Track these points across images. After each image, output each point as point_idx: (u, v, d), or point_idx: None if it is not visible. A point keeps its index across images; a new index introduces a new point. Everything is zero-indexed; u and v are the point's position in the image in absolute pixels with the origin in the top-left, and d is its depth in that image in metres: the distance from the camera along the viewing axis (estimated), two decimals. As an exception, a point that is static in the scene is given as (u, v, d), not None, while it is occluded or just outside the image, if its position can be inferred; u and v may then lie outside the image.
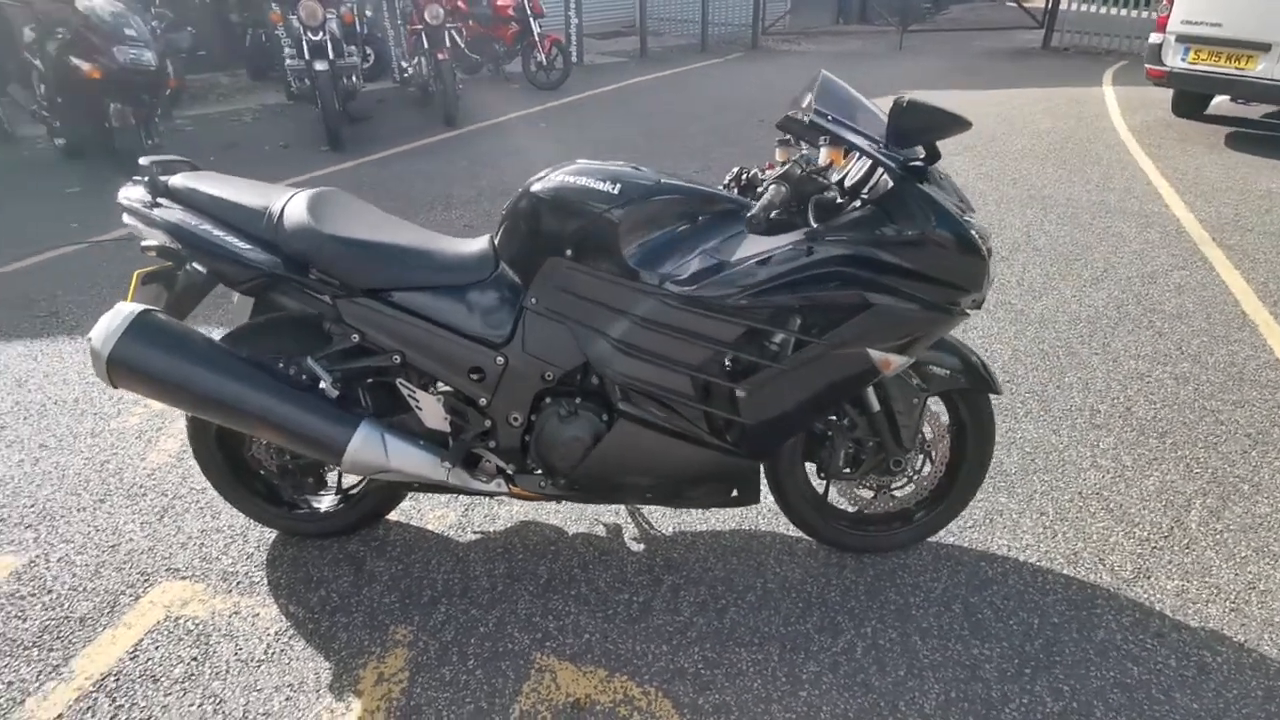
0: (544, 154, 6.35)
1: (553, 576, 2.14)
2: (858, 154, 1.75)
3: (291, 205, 1.89)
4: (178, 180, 1.95)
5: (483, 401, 1.92)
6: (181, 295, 2.01)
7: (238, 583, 2.13)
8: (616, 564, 2.18)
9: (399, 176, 5.87)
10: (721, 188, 1.93)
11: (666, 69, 10.57)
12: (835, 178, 1.80)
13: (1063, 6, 11.51)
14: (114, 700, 1.80)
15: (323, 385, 1.90)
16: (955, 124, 1.53)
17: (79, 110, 5.73)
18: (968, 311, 1.79)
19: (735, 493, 1.99)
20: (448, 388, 1.95)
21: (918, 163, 1.67)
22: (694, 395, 1.82)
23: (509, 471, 2.00)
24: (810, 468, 2.08)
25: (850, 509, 2.17)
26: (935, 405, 2.06)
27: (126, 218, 1.94)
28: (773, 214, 1.65)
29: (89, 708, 1.78)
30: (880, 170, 1.68)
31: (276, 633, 1.98)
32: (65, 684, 1.84)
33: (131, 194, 1.97)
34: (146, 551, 2.25)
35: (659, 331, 1.77)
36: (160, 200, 1.93)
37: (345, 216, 1.94)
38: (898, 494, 2.14)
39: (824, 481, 2.12)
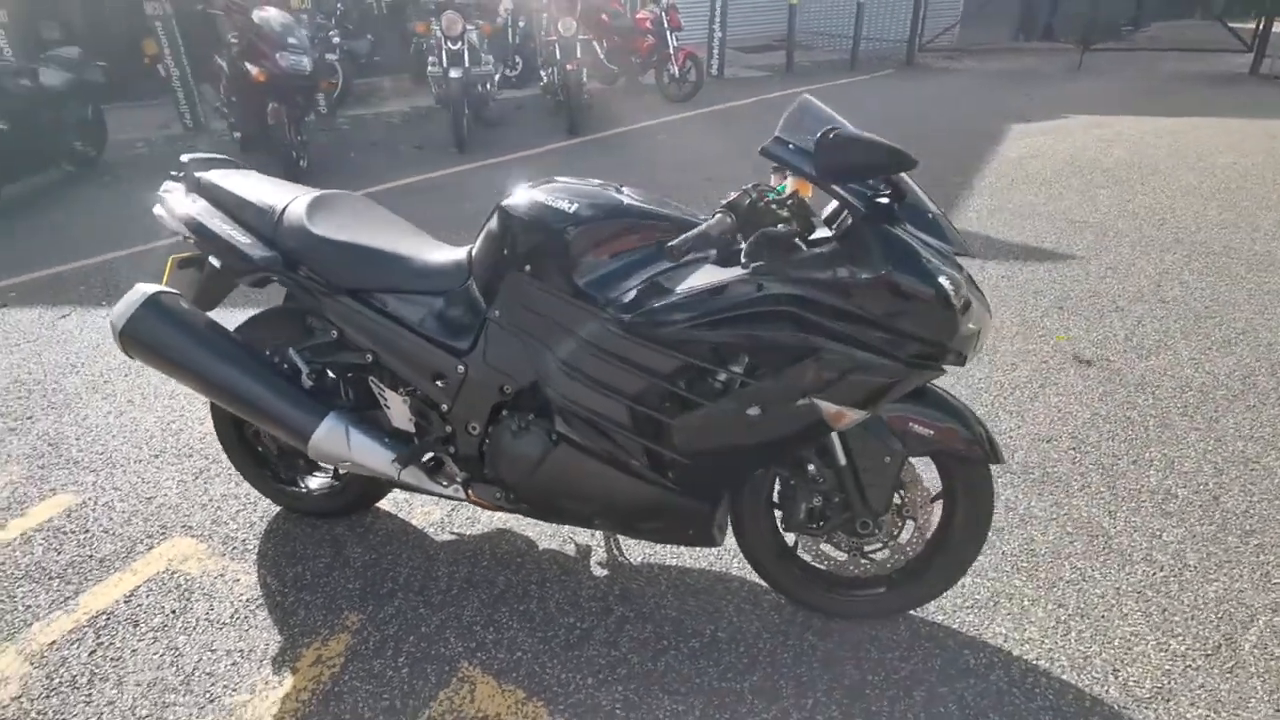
0: (651, 164, 6.40)
1: (508, 588, 2.14)
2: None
3: (293, 205, 2.02)
4: (209, 176, 2.14)
5: (444, 407, 1.96)
6: (208, 283, 2.20)
7: (234, 548, 2.31)
8: (574, 586, 2.15)
9: (508, 179, 6.11)
10: (719, 210, 1.85)
11: (807, 84, 10.31)
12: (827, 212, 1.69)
13: (1276, 29, 10.06)
14: (98, 637, 2.00)
15: (303, 376, 2.02)
16: (890, 160, 1.38)
17: (249, 108, 6.46)
18: (943, 368, 1.60)
19: (691, 532, 1.90)
20: (414, 390, 2.01)
21: (884, 199, 1.52)
22: (631, 426, 1.75)
23: (466, 479, 2.02)
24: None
25: (820, 566, 2.01)
26: (927, 467, 1.86)
27: (156, 208, 2.16)
28: (713, 245, 1.56)
29: (77, 640, 1.99)
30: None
31: (246, 600, 2.12)
32: (67, 615, 2.07)
33: (168, 187, 2.19)
34: (173, 508, 2.49)
35: (599, 356, 1.72)
36: (192, 194, 2.13)
37: (344, 219, 2.05)
38: (873, 558, 1.95)
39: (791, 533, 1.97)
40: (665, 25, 8.78)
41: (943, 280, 1.50)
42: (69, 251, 4.84)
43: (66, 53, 6.59)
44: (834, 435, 1.75)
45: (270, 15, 6.13)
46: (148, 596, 2.13)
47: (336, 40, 8.91)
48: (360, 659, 1.93)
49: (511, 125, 8.10)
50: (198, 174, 2.16)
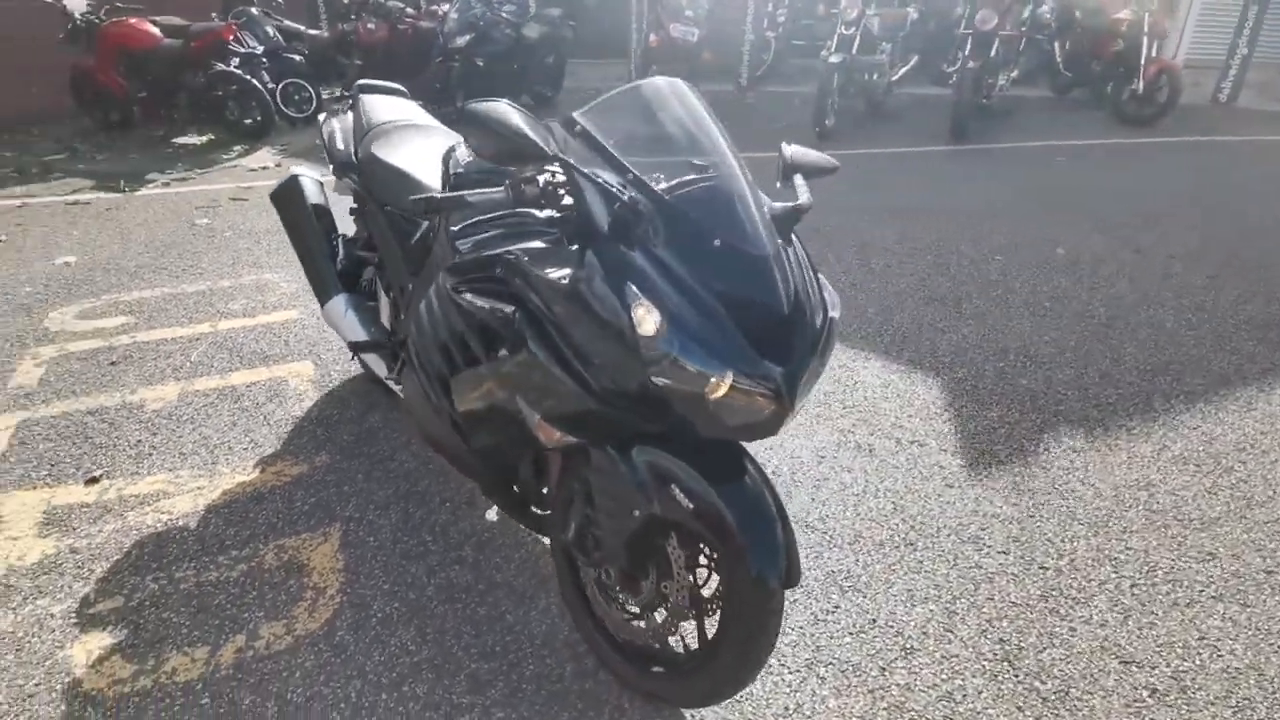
0: (1038, 197, 5.46)
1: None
2: None
3: (380, 126, 2.44)
4: (361, 97, 2.69)
5: (402, 316, 2.22)
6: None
7: (332, 378, 2.94)
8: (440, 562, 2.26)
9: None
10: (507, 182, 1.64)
11: (1371, 130, 7.34)
12: None
13: None
14: (237, 392, 2.81)
15: (339, 259, 2.49)
16: (526, 149, 1.17)
17: (646, 72, 7.31)
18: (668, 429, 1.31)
19: (499, 499, 1.87)
20: (393, 297, 2.31)
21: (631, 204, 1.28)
22: (431, 371, 1.78)
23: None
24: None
25: (594, 608, 1.75)
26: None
27: (320, 117, 2.79)
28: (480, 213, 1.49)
29: (226, 391, 2.84)
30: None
31: (320, 403, 2.73)
32: (234, 375, 2.94)
33: (334, 107, 2.81)
34: (342, 349, 3.23)
35: (431, 299, 1.79)
36: (347, 111, 2.71)
37: (407, 146, 2.40)
38: (639, 624, 1.64)
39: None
40: (1144, 29, 7.11)
41: (638, 313, 1.22)
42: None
43: (550, 12, 8.24)
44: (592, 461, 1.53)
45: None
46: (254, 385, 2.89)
47: (781, 20, 9.36)
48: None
49: (899, 120, 7.58)
50: (360, 95, 2.73)
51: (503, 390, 1.51)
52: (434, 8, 8.25)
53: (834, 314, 1.45)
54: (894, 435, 2.60)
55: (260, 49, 7.03)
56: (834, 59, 6.51)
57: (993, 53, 6.66)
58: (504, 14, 7.52)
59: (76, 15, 6.58)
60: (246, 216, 4.83)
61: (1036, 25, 7.98)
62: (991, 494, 2.32)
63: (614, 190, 1.27)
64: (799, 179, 1.61)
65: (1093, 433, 2.61)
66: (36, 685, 1.68)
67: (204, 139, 6.84)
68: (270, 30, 7.49)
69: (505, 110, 1.27)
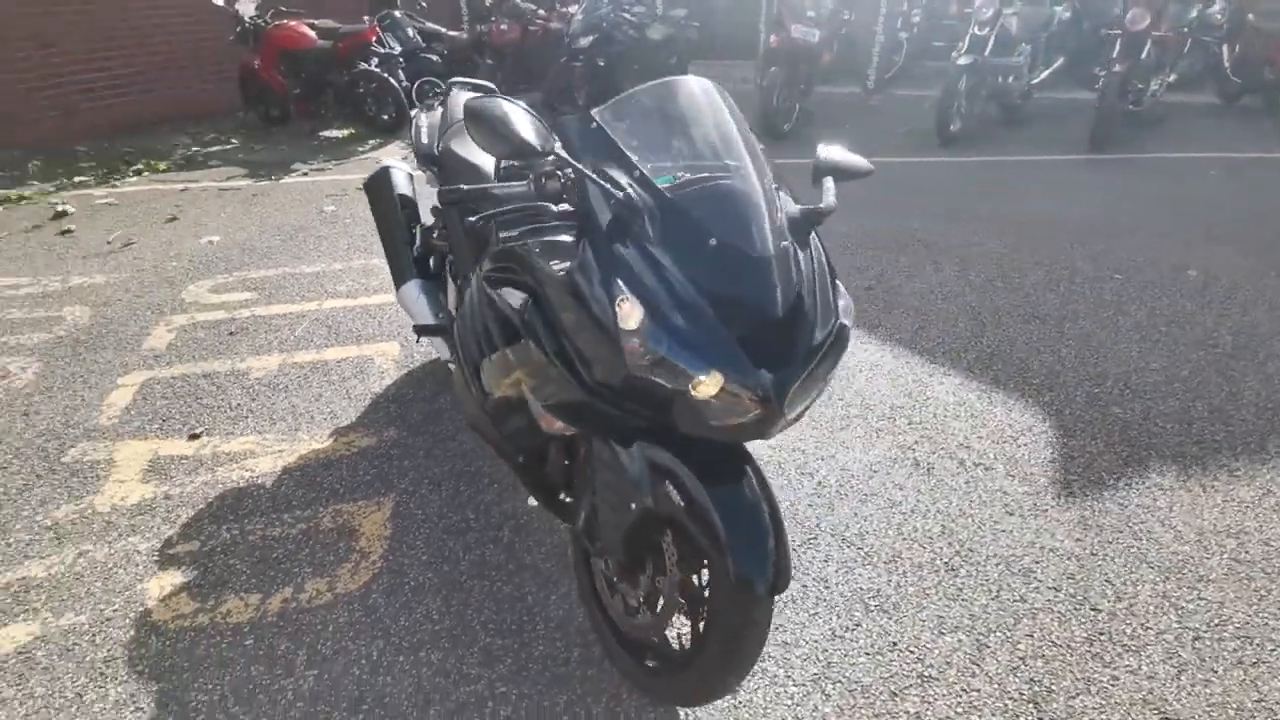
0: (1176, 210, 5.01)
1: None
2: None
3: (460, 123, 2.58)
4: (453, 94, 2.85)
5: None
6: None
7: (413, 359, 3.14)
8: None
9: (961, 179, 5.58)
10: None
11: None
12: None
13: None
14: (328, 367, 3.07)
15: (415, 246, 2.65)
16: (521, 145, 1.23)
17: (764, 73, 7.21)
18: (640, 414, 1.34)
19: (527, 481, 1.93)
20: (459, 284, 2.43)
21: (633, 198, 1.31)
22: (471, 355, 1.86)
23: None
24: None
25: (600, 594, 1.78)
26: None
27: (412, 112, 2.97)
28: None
29: (321, 364, 3.10)
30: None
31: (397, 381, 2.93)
32: (326, 351, 3.21)
33: (427, 102, 2.97)
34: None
35: (472, 287, 1.88)
36: (439, 107, 2.87)
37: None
38: (638, 618, 1.65)
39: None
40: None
41: (621, 307, 1.24)
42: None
43: (675, 13, 8.30)
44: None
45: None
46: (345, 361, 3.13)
47: (916, 20, 8.98)
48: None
49: (1036, 125, 7.08)
50: (451, 91, 2.89)
51: (512, 378, 1.57)
52: (565, 9, 8.52)
53: (845, 321, 1.41)
54: (958, 456, 2.46)
55: (398, 50, 7.53)
56: (962, 60, 6.18)
57: (1144, 55, 6.08)
58: (629, 15, 7.66)
59: (246, 18, 7.30)
60: (366, 205, 5.20)
61: (1204, 26, 7.22)
62: (1054, 526, 2.15)
63: (609, 186, 1.30)
64: (828, 181, 1.57)
65: (1187, 471, 2.36)
66: (114, 611, 1.91)
67: (346, 133, 7.41)
68: (411, 32, 8.00)
69: (502, 107, 1.33)
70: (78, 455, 2.52)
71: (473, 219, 1.47)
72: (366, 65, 7.12)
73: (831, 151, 1.63)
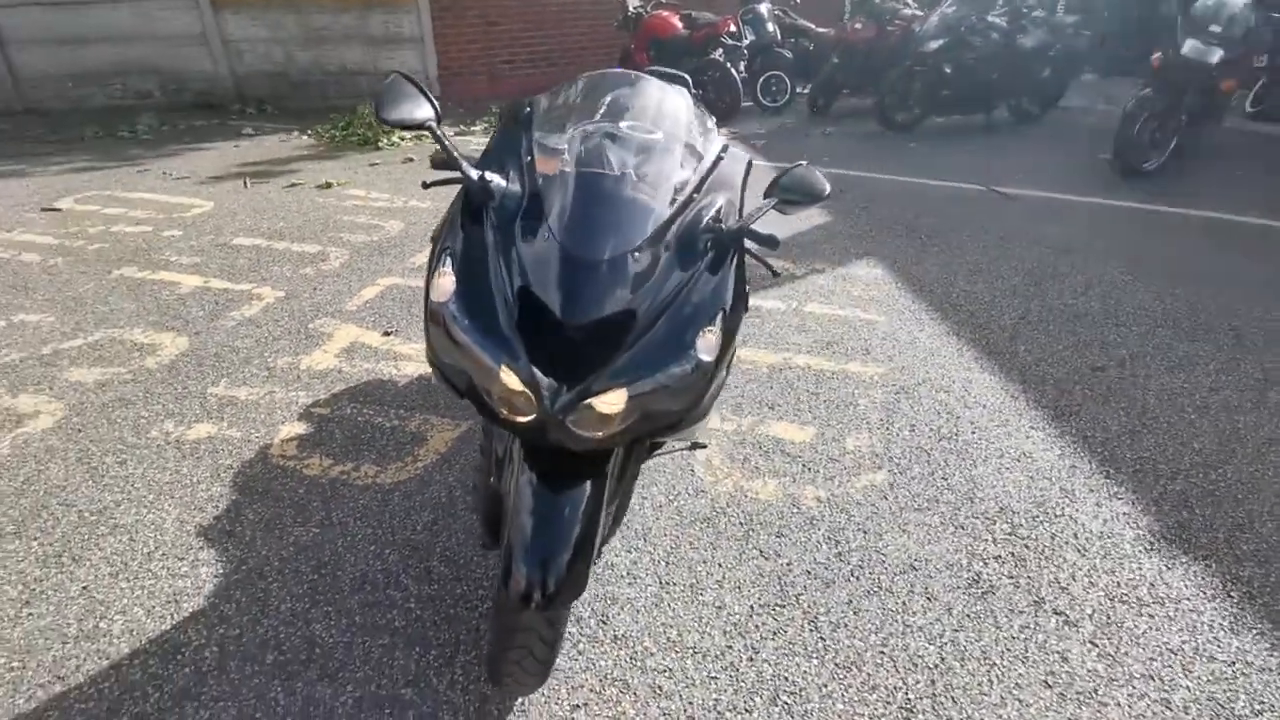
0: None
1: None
2: None
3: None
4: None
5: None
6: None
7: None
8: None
9: (1120, 232, 4.11)
10: None
11: None
12: None
13: None
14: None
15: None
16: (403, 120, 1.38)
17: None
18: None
19: None
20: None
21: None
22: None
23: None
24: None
25: None
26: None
27: None
28: None
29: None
30: None
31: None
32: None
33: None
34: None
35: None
36: None
37: None
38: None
39: None
40: None
41: (441, 277, 1.37)
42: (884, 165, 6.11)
43: (1061, 18, 7.21)
44: None
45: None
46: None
47: None
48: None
49: (1215, 163, 4.74)
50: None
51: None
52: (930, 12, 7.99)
53: (703, 356, 1.33)
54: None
55: (747, 42, 7.84)
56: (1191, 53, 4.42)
57: None
58: (997, 19, 6.91)
59: (630, 7, 8.25)
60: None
61: None
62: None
63: (467, 167, 1.40)
64: (771, 202, 1.47)
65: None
66: (256, 436, 2.60)
67: (685, 114, 8.01)
68: (770, 26, 8.24)
69: (408, 86, 1.47)
70: (318, 326, 3.36)
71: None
72: (712, 55, 7.58)
73: (796, 173, 1.50)
